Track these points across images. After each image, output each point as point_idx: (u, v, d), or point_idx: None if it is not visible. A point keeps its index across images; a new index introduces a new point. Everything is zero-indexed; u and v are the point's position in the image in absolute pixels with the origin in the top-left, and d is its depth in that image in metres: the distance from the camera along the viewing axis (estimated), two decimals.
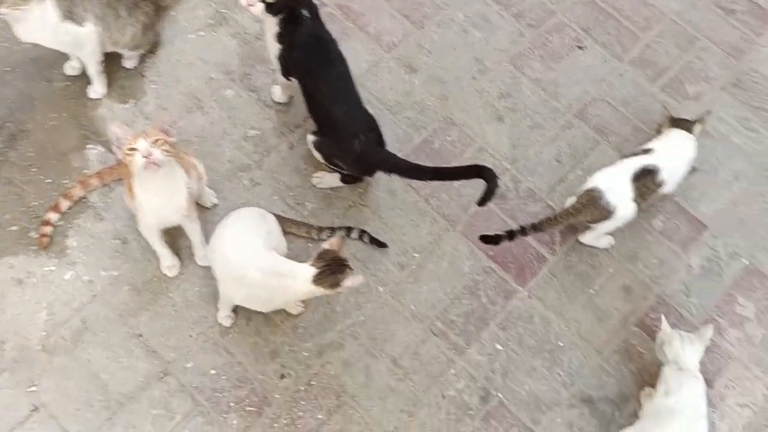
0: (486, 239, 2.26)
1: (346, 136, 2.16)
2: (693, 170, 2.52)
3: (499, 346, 2.26)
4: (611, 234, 2.38)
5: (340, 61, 2.22)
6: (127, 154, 1.85)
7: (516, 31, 2.77)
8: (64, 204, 2.28)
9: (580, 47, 2.77)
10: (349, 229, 2.32)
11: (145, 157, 1.83)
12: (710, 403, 2.20)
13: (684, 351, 2.07)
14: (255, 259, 1.95)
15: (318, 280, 1.87)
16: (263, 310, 2.15)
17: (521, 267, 2.37)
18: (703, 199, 2.53)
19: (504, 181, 2.49)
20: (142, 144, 1.83)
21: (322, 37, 2.20)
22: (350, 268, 1.89)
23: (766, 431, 2.22)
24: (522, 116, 2.61)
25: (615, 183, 2.24)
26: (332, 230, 2.30)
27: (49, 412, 2.06)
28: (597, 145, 2.59)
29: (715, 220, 2.50)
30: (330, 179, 2.41)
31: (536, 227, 2.25)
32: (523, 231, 2.25)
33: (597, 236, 2.36)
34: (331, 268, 1.88)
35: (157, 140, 1.84)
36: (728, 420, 2.23)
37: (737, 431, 2.21)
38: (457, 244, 2.39)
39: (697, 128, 2.40)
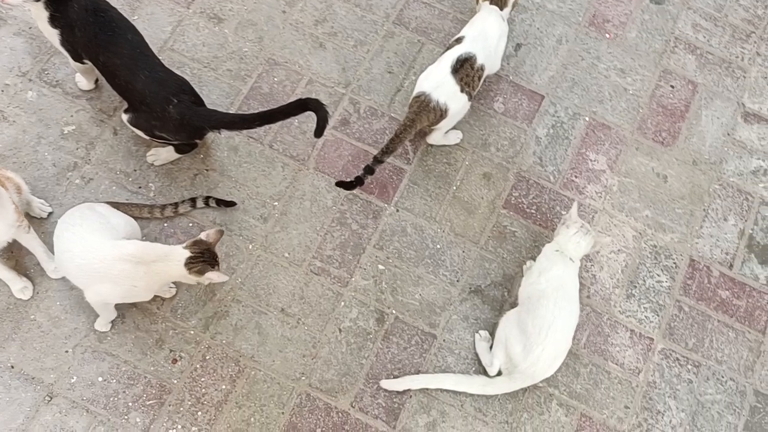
0: (345, 185, 2.25)
1: (157, 103, 2.04)
2: (518, 46, 2.58)
3: (381, 267, 2.29)
4: (456, 128, 2.42)
5: (127, 28, 2.07)
6: None
7: None
8: None
9: None
10: (193, 200, 2.24)
11: None
12: (587, 258, 2.34)
13: (572, 240, 2.11)
14: (112, 252, 1.86)
15: (189, 264, 1.85)
16: (144, 299, 2.06)
17: (383, 185, 2.39)
18: (534, 71, 2.61)
19: (343, 106, 2.47)
20: None
21: (99, 9, 2.04)
22: (218, 265, 1.91)
23: (641, 268, 2.38)
24: (343, 38, 2.57)
25: (438, 81, 2.24)
26: (175, 205, 2.21)
27: None
28: (423, 46, 2.59)
29: (550, 88, 2.59)
30: (165, 153, 2.30)
31: (385, 152, 2.24)
32: (376, 162, 2.25)
33: (443, 135, 2.39)
34: (204, 257, 1.86)
35: None
36: (607, 269, 2.37)
37: (618, 276, 2.36)
38: (313, 180, 2.37)
39: (509, 3, 2.43)
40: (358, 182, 2.25)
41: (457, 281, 2.29)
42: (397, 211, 2.36)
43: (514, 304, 2.21)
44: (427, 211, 2.37)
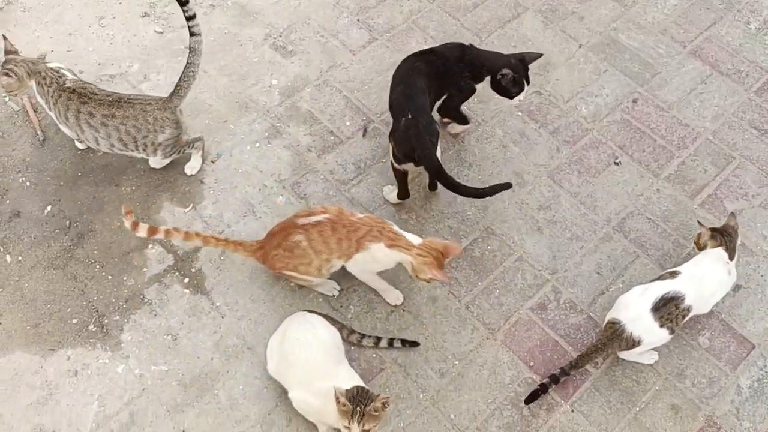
0: (531, 397, 2.27)
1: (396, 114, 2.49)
2: (737, 288, 2.51)
3: None
4: (654, 349, 2.36)
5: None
6: None
7: (553, 147, 2.91)
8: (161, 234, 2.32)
9: (616, 163, 2.88)
10: (378, 339, 2.37)
11: None
12: None
13: None
14: (341, 378, 2.07)
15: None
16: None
17: (564, 380, 2.35)
18: (750, 318, 2.50)
19: (545, 292, 2.53)
20: None
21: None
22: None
23: None
24: (561, 228, 2.69)
25: (635, 315, 2.23)
26: (362, 336, 2.36)
27: None
28: (637, 258, 2.62)
29: (763, 339, 2.46)
30: (392, 194, 2.68)
31: (573, 366, 2.28)
32: (563, 373, 2.28)
33: (637, 354, 2.34)
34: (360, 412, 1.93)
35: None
36: None
37: None
38: (497, 352, 2.40)
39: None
40: (542, 390, 2.27)
41: None
42: (572, 411, 2.30)
43: None
44: (603, 422, 2.28)
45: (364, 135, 2.90)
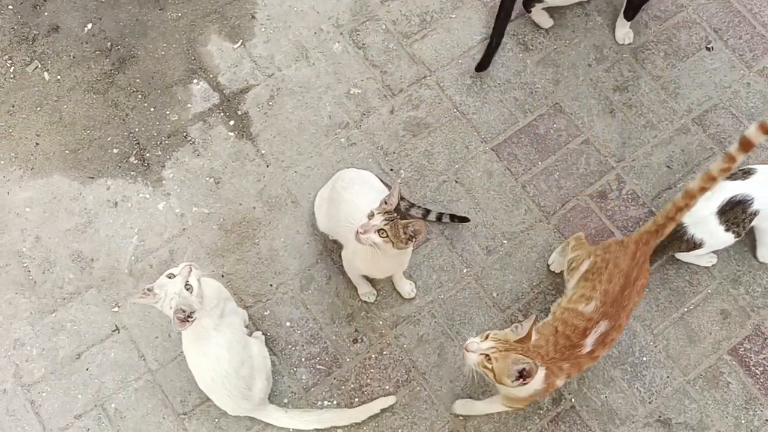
0: None
1: None
2: None
3: None
4: (714, 252, 2.24)
5: None
6: None
7: (641, 22, 2.60)
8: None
9: (708, 48, 2.59)
10: (427, 212, 2.24)
11: None
12: None
13: None
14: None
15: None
16: (376, 276, 2.10)
17: None
18: None
19: (607, 180, 2.37)
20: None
21: None
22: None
23: None
24: (636, 113, 2.47)
25: (699, 217, 2.06)
26: (411, 205, 2.22)
27: (129, 334, 2.10)
28: (712, 155, 2.42)
29: None
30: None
31: None
32: None
33: (695, 256, 2.23)
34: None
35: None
36: None
37: None
38: (549, 237, 2.30)
39: None
40: None
41: (649, 402, 2.13)
42: None
43: None
44: (648, 318, 2.22)
45: None
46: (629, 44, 2.54)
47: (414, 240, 1.75)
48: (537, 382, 1.70)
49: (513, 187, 2.36)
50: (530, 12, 2.52)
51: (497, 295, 2.23)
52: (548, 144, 2.41)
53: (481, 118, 2.42)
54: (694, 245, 2.12)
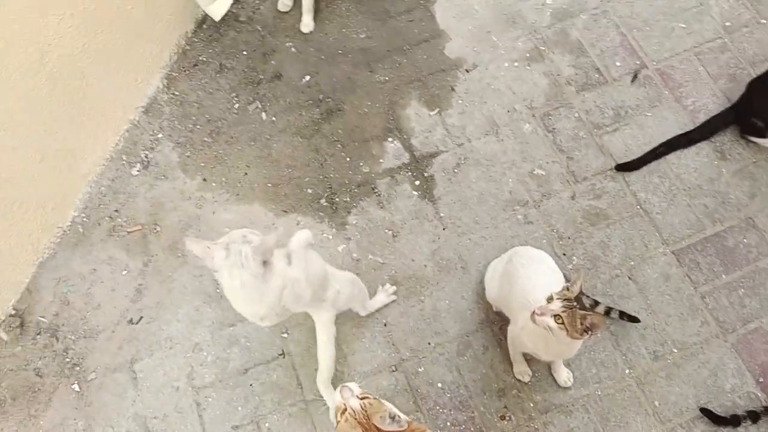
0: (716, 418, 2.08)
1: None
2: None
3: None
4: None
5: None
6: None
7: None
8: None
9: None
10: (595, 302, 2.21)
11: None
12: None
13: None
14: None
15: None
16: (544, 359, 2.08)
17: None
18: None
19: None
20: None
21: None
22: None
23: None
24: None
25: None
26: (595, 303, 2.20)
27: (292, 361, 2.25)
28: None
29: None
30: None
31: None
32: (754, 417, 2.06)
33: None
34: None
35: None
36: None
37: None
38: (724, 355, 2.18)
39: None
40: (733, 421, 2.07)
41: None
42: None
43: None
44: None
45: (633, 80, 2.63)
46: None
47: (590, 333, 1.74)
48: None
49: (690, 296, 2.27)
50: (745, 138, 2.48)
51: (659, 404, 2.13)
52: (736, 258, 2.31)
53: (665, 219, 2.38)
54: None
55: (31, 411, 2.24)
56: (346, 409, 1.61)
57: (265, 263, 1.77)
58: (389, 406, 1.64)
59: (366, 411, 1.60)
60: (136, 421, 2.20)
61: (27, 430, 2.21)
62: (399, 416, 1.61)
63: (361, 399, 1.62)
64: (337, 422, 1.62)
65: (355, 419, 1.60)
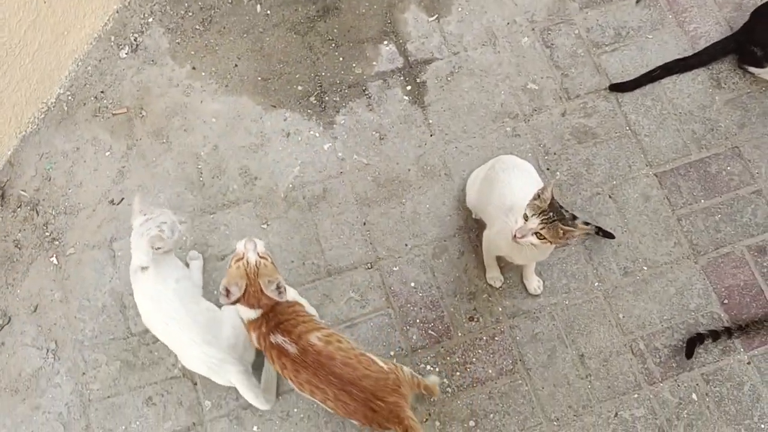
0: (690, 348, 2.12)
1: None
2: None
3: (694, 396, 2.09)
4: None
5: None
6: None
7: None
8: None
9: None
10: (574, 217, 2.21)
11: None
12: None
13: None
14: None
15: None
16: (517, 262, 2.08)
17: (753, 332, 2.15)
18: None
19: None
20: None
21: None
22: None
23: None
24: None
25: None
26: (574, 217, 2.20)
27: (271, 251, 2.27)
28: None
29: None
30: None
31: (741, 329, 2.12)
32: (726, 333, 2.11)
33: None
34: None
35: None
36: None
37: None
38: (692, 276, 2.22)
39: None
40: (689, 344, 2.12)
41: None
42: (749, 363, 2.12)
43: None
44: None
45: (638, 2, 2.57)
46: None
47: (569, 238, 1.76)
48: None
49: (667, 218, 2.29)
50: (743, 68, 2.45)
51: (623, 317, 2.18)
52: (717, 185, 2.32)
53: (652, 142, 2.38)
54: None
55: (9, 280, 2.27)
56: (242, 258, 1.70)
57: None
58: (281, 279, 1.71)
59: (258, 269, 1.69)
60: (113, 296, 2.25)
61: (4, 296, 2.25)
62: (285, 291, 1.71)
63: (261, 258, 1.71)
64: (230, 266, 1.73)
65: (245, 271, 1.69)
